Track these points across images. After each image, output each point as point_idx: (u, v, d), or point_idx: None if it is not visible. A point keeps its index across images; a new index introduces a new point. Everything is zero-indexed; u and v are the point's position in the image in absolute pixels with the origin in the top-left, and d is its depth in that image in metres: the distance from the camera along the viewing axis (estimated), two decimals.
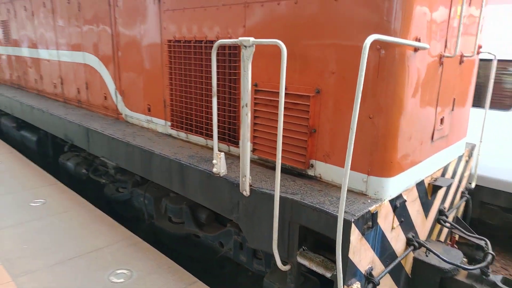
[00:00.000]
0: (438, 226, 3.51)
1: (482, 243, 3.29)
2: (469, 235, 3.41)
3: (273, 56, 2.80)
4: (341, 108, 2.51)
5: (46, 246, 3.76)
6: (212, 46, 2.74)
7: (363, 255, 2.32)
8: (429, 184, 3.01)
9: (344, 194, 1.94)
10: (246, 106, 2.42)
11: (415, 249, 2.91)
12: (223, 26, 3.18)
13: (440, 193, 3.34)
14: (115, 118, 4.85)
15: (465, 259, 3.20)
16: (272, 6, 2.77)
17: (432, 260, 2.95)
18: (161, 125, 4.12)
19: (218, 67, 3.24)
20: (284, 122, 2.76)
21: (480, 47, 3.40)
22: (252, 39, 2.29)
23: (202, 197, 3.03)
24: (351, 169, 2.49)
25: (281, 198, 2.40)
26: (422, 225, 3.12)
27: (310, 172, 2.77)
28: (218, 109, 3.30)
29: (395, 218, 2.58)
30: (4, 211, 4.51)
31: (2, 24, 7.89)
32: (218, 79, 3.26)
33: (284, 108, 2.74)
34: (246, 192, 2.58)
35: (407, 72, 2.29)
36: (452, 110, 3.12)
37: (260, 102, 2.95)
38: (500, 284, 2.83)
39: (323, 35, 2.51)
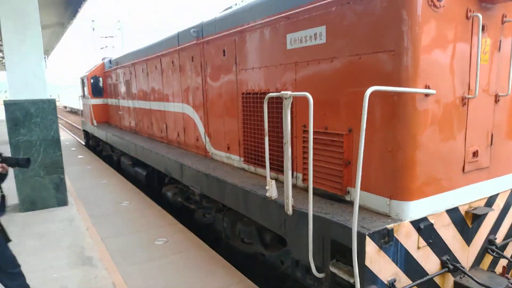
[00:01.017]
0: (490, 257, 3.60)
1: None
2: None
3: (316, 103, 3.48)
4: (368, 143, 3.04)
5: (169, 284, 4.09)
6: (273, 97, 3.55)
7: (383, 266, 2.73)
8: (466, 212, 3.25)
9: (356, 209, 2.46)
10: (287, 143, 3.12)
11: (449, 271, 3.13)
12: (280, 80, 3.99)
13: (487, 222, 3.49)
14: (204, 155, 5.91)
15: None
16: (314, 64, 3.49)
17: (473, 284, 3.13)
18: (236, 160, 5.00)
19: (279, 113, 4.01)
20: (324, 155, 3.39)
21: None
22: (289, 92, 3.03)
23: (260, 216, 3.73)
24: (377, 193, 2.99)
25: (315, 216, 2.98)
26: (463, 251, 3.31)
27: (347, 198, 3.28)
28: (278, 146, 4.04)
29: (420, 238, 2.92)
30: (134, 248, 5.00)
31: (126, 82, 9.98)
32: (278, 122, 4.02)
33: (324, 144, 3.38)
34: (289, 211, 3.21)
35: (418, 114, 2.76)
36: (491, 144, 3.35)
37: (307, 139, 3.60)
38: None
39: (352, 85, 3.12)
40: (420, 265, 2.98)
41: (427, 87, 2.75)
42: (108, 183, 8.58)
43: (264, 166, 4.33)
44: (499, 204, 3.58)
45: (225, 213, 5.10)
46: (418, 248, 2.94)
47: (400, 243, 2.82)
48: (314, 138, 3.50)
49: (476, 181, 3.30)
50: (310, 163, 2.89)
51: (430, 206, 2.97)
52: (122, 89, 10.51)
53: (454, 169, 3.09)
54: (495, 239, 3.58)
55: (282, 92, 3.08)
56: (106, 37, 32.79)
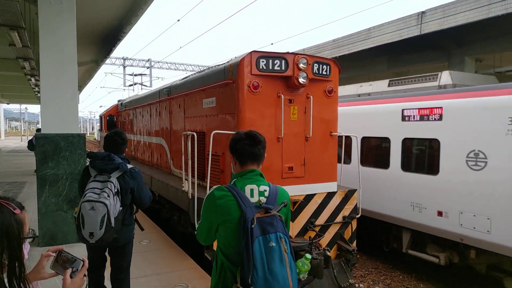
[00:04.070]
0: (313, 232, 6.08)
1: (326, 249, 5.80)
2: (320, 235, 5.92)
3: (215, 140, 6.21)
4: (228, 160, 5.72)
5: None
6: (200, 135, 6.30)
7: None
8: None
9: (207, 190, 5.11)
10: (189, 159, 5.84)
11: None
12: (200, 125, 6.78)
13: (308, 210, 6.00)
14: (169, 172, 8.66)
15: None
16: (212, 117, 6.29)
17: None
18: (184, 174, 7.72)
19: (199, 144, 6.75)
20: (215, 168, 6.08)
21: (331, 131, 6.24)
22: (189, 132, 5.79)
23: (181, 202, 6.38)
24: None
25: (199, 198, 5.64)
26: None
27: None
28: (198, 164, 6.73)
29: None
30: None
31: (130, 121, 13.03)
32: (198, 150, 6.75)
33: (215, 161, 6.09)
34: (190, 197, 5.87)
35: None
36: (304, 164, 5.96)
37: (213, 160, 6.31)
38: (313, 254, 5.34)
39: (223, 129, 5.86)
40: None
41: None
42: None
43: (193, 177, 7.07)
44: (317, 200, 6.11)
45: (175, 212, 7.77)
46: None
47: None
48: (216, 160, 6.23)
49: (294, 184, 5.89)
50: (195, 171, 5.60)
51: None
52: (128, 126, 13.56)
53: (275, 175, 5.71)
54: (315, 221, 6.08)
55: (187, 132, 5.86)
56: (136, 75, 33.87)
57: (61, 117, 6.42)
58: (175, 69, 36.18)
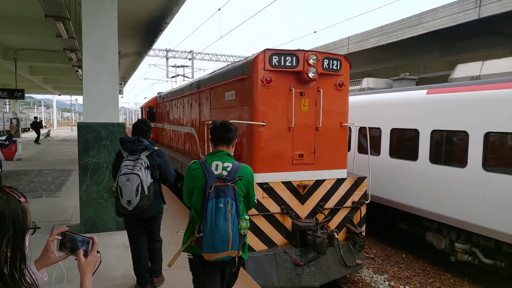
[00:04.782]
0: (322, 215, 6.62)
1: (333, 231, 6.33)
2: (326, 218, 6.45)
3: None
4: (245, 148, 6.38)
5: None
6: None
7: None
8: (297, 185, 6.38)
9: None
10: (211, 146, 6.56)
11: (285, 214, 6.25)
12: (224, 115, 7.48)
13: (317, 194, 6.55)
14: (198, 159, 9.47)
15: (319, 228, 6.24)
16: (232, 108, 6.96)
17: (298, 223, 6.25)
18: None
19: None
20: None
21: (341, 122, 6.71)
22: (210, 122, 6.50)
23: None
24: None
25: None
26: (298, 207, 6.41)
27: None
28: None
29: (264, 193, 6.12)
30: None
31: (167, 112, 14.04)
32: None
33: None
34: None
35: (259, 133, 6.07)
36: (314, 152, 6.49)
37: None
38: (320, 234, 5.90)
39: (241, 119, 6.51)
40: (265, 206, 6.18)
41: (263, 121, 6.07)
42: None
43: None
44: (326, 185, 6.63)
45: None
46: (263, 197, 6.15)
47: None
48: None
49: (304, 170, 6.44)
50: None
51: (270, 178, 6.18)
52: (165, 116, 14.61)
53: (286, 161, 6.29)
54: (324, 204, 6.60)
55: (209, 122, 6.57)
56: (178, 67, 34.42)
57: (101, 106, 6.44)
58: (216, 60, 36.05)
